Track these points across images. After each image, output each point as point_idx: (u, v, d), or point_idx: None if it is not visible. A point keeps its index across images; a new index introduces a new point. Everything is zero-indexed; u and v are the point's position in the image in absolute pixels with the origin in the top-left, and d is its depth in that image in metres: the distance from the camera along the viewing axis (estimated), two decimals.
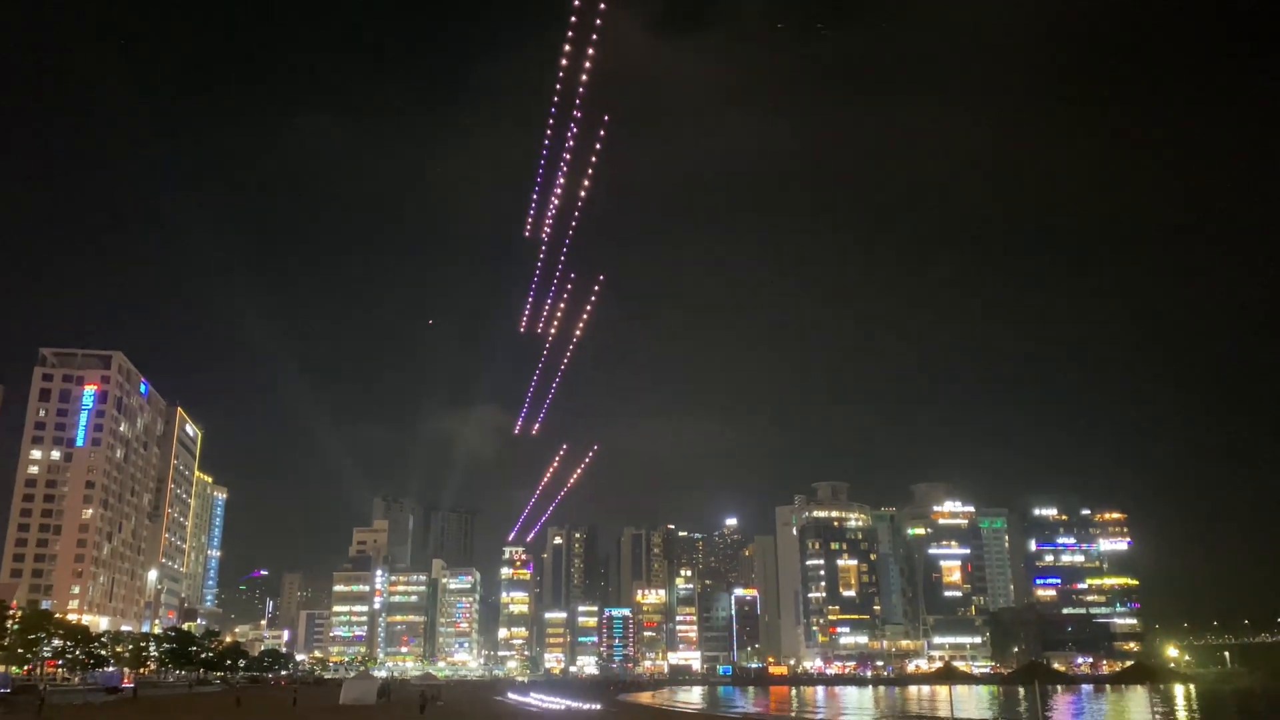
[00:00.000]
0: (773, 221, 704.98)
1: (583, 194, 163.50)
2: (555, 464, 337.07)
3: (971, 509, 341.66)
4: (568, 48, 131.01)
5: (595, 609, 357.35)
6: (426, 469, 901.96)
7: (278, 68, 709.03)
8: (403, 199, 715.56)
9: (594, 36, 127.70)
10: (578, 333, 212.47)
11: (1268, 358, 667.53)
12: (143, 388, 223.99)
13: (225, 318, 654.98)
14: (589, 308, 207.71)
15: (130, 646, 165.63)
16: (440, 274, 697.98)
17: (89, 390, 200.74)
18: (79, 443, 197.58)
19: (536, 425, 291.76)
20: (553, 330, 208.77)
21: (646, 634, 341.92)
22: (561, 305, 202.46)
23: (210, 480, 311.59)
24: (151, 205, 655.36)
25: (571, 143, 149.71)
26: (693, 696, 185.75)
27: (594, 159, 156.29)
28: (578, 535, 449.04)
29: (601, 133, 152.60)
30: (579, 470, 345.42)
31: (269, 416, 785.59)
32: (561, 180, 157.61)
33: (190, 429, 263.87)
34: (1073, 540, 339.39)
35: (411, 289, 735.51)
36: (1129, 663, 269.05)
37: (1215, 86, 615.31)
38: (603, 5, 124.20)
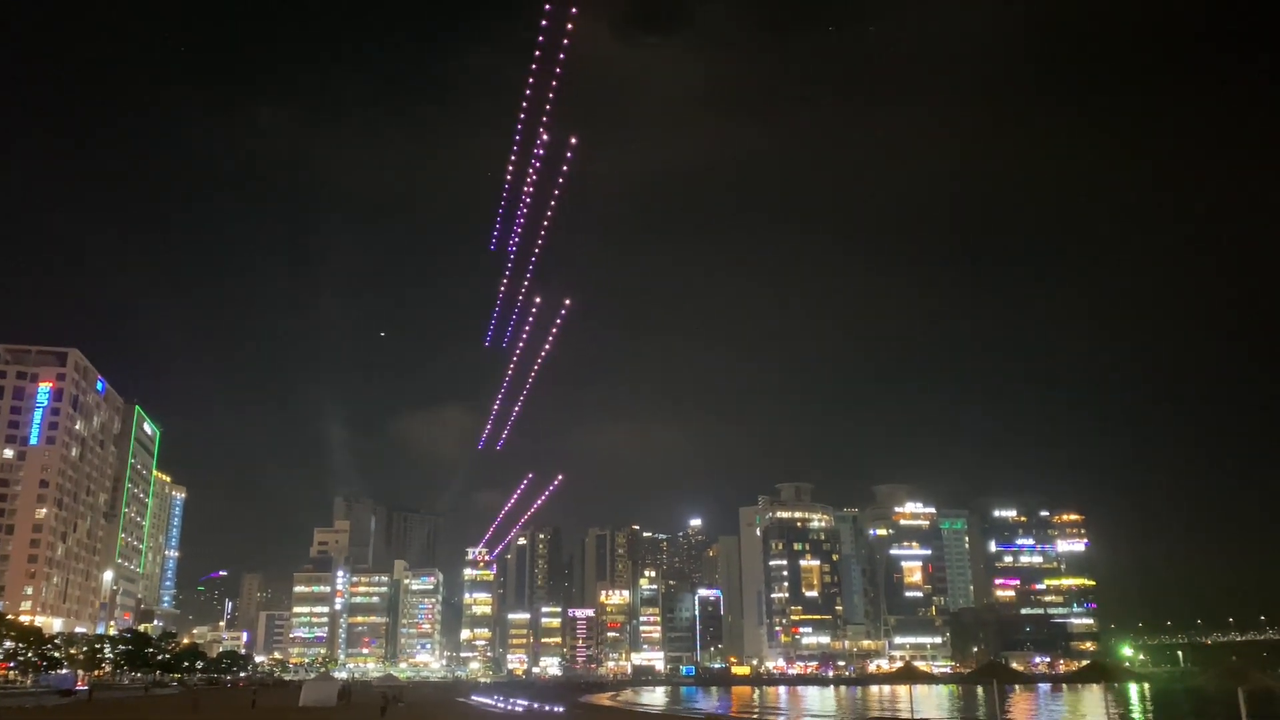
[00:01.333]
0: (738, 226, 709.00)
1: (550, 212, 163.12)
2: (520, 491, 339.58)
3: (933, 510, 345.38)
4: (535, 67, 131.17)
5: (559, 610, 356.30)
6: (390, 470, 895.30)
7: (241, 67, 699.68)
8: (370, 201, 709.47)
9: (561, 56, 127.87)
10: (544, 351, 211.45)
11: (1225, 361, 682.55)
12: (99, 385, 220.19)
13: (184, 316, 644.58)
14: (554, 330, 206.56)
15: (85, 648, 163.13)
16: (406, 278, 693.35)
17: (44, 387, 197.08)
18: (33, 441, 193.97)
19: (500, 442, 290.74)
20: (519, 348, 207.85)
21: (610, 635, 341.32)
22: (527, 326, 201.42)
23: (169, 479, 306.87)
24: (110, 201, 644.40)
25: (538, 162, 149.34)
26: (656, 697, 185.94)
27: (563, 169, 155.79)
28: (542, 536, 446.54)
29: (569, 154, 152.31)
30: (543, 497, 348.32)
31: (229, 415, 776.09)
32: (528, 197, 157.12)
33: (148, 427, 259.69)
34: (1031, 541, 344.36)
35: (376, 292, 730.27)
36: (1085, 662, 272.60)
37: (1205, 87, 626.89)
38: (574, 8, 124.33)
